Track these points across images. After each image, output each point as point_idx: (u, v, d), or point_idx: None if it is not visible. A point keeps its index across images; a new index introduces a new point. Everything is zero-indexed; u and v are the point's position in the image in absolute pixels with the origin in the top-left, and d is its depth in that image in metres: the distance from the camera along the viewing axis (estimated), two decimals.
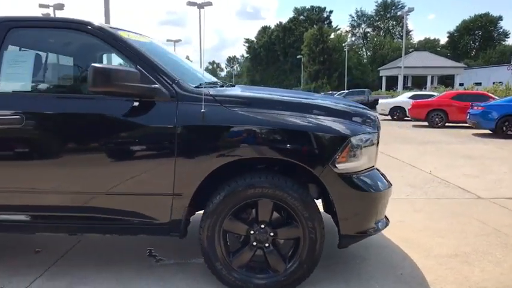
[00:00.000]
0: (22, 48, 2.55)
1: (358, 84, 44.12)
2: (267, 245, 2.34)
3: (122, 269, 2.68)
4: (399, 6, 64.11)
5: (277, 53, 74.16)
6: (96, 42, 2.40)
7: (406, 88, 33.87)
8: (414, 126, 14.43)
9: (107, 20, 13.16)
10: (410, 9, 31.74)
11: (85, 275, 2.59)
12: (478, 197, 4.58)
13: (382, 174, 2.63)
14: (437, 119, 14.02)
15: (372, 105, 19.46)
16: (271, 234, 2.33)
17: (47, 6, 24.95)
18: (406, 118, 16.80)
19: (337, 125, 2.32)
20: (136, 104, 2.28)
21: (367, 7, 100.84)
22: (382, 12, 67.79)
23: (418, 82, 45.05)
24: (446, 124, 14.00)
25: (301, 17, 76.46)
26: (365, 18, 70.21)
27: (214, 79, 3.24)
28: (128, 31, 2.61)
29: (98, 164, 2.33)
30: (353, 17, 70.63)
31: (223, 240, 2.34)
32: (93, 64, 2.05)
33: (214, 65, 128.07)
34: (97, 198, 2.34)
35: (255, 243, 2.34)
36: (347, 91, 30.02)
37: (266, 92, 2.87)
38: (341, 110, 2.52)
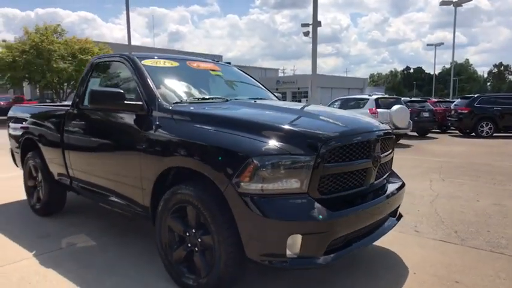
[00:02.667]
0: (97, 75, 3.75)
1: None
2: (196, 249, 2.54)
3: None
4: None
5: None
6: (128, 67, 3.29)
7: None
8: None
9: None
10: None
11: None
12: None
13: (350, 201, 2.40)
14: None
15: None
16: (199, 240, 2.52)
17: (307, 25, 28.71)
18: None
19: (244, 143, 2.26)
20: (134, 116, 3.00)
21: None
22: None
23: None
24: None
25: None
26: None
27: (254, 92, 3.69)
28: (160, 59, 3.35)
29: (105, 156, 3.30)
30: None
31: (169, 234, 2.70)
32: (91, 88, 2.93)
33: (502, 68, 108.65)
34: (109, 182, 3.26)
35: (189, 245, 2.59)
36: None
37: (238, 107, 2.99)
38: (260, 126, 2.38)
